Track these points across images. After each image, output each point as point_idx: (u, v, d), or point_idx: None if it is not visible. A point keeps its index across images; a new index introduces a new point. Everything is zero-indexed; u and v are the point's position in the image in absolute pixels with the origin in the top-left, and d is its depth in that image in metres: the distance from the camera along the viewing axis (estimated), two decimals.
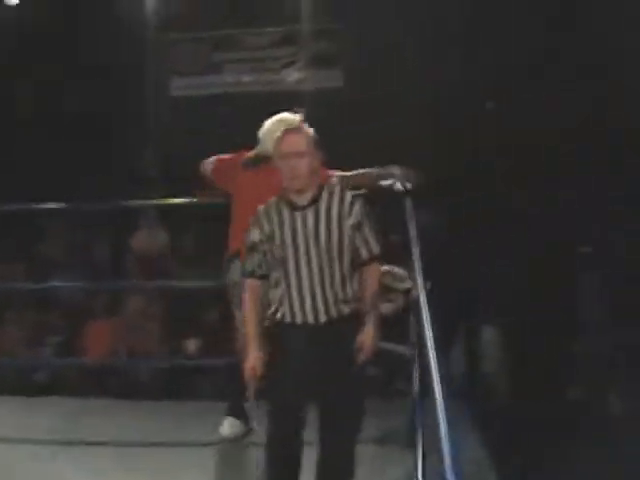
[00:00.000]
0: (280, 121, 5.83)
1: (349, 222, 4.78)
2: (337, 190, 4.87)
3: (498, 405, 9.25)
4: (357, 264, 4.83)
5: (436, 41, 11.95)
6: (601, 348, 9.64)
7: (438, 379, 3.83)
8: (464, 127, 11.65)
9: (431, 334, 4.21)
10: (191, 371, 10.00)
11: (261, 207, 4.86)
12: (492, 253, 9.49)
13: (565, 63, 11.68)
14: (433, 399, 3.70)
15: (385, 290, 5.44)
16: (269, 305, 4.83)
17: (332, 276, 4.75)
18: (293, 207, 4.80)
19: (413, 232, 5.36)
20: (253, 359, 4.77)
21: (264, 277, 4.85)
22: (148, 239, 11.61)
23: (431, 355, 4.01)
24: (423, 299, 4.67)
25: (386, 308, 5.52)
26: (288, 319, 4.76)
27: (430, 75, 11.86)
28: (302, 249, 4.75)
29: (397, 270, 5.55)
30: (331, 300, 4.75)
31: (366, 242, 4.84)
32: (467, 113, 11.76)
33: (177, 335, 10.36)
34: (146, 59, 12.65)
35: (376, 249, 4.86)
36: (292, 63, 13.23)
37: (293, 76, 13.20)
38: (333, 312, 4.75)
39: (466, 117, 11.73)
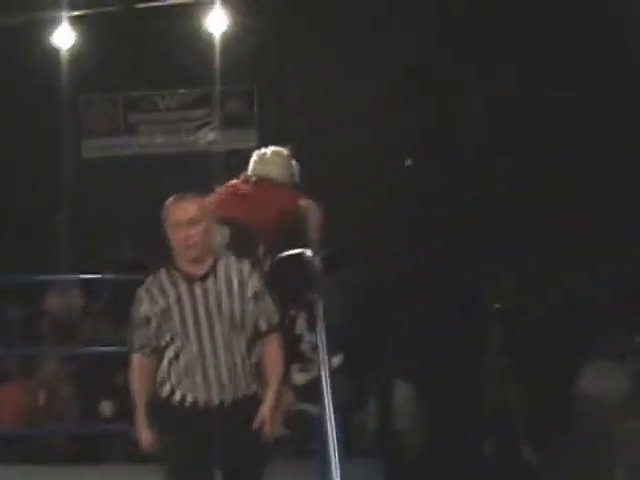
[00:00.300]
0: (270, 151, 5.98)
1: (249, 292, 4.55)
2: (234, 259, 4.63)
3: (411, 461, 9.31)
4: (256, 335, 4.61)
5: (351, 101, 12.10)
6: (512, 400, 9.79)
7: (334, 443, 3.90)
8: (380, 184, 11.79)
9: (330, 402, 4.28)
10: (108, 434, 9.93)
11: (151, 277, 4.62)
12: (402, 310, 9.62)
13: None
14: (329, 459, 3.78)
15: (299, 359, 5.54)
16: (163, 382, 4.57)
17: (235, 351, 4.51)
18: (190, 279, 4.52)
19: (319, 308, 5.43)
20: (145, 440, 4.59)
21: (154, 352, 4.58)
22: (62, 301, 11.53)
23: (328, 421, 4.07)
24: (325, 372, 4.73)
25: (299, 379, 5.60)
26: (189, 399, 4.50)
27: (346, 134, 11.99)
28: (204, 323, 4.48)
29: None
30: (234, 379, 4.50)
31: (265, 312, 4.61)
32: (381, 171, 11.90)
33: (91, 398, 10.28)
34: (58, 120, 12.57)
35: (275, 319, 4.65)
36: (207, 124, 13.29)
37: (208, 137, 13.26)
38: (236, 392, 4.52)
39: (382, 175, 11.88)
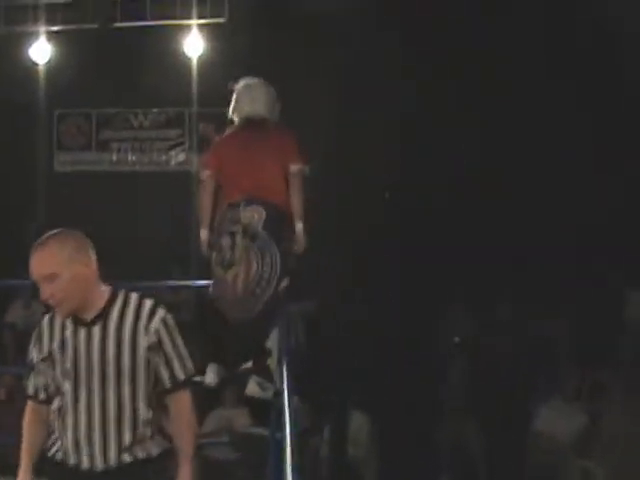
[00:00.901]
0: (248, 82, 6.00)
1: (145, 341, 3.85)
2: (134, 299, 3.93)
3: None
4: (160, 392, 3.91)
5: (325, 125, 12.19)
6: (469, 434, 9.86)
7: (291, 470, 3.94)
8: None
9: (290, 428, 4.31)
10: None
11: (46, 316, 3.97)
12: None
13: None
14: None
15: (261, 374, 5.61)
16: (50, 437, 3.94)
17: (124, 407, 3.80)
18: (77, 321, 3.85)
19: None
20: None
21: (47, 401, 3.91)
22: (24, 313, 11.53)
23: (287, 446, 4.12)
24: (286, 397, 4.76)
25: (253, 391, 5.67)
26: (66, 460, 3.84)
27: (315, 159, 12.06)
28: (83, 375, 3.79)
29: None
30: (113, 443, 3.79)
31: (169, 366, 3.90)
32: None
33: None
34: (31, 133, 12.62)
35: (182, 374, 3.94)
36: (179, 145, 13.35)
37: (179, 158, 13.31)
38: (114, 459, 3.80)
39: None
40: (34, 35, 11.82)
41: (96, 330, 3.82)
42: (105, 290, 3.93)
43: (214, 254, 5.69)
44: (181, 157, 13.34)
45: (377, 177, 11.86)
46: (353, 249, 11.43)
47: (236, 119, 5.97)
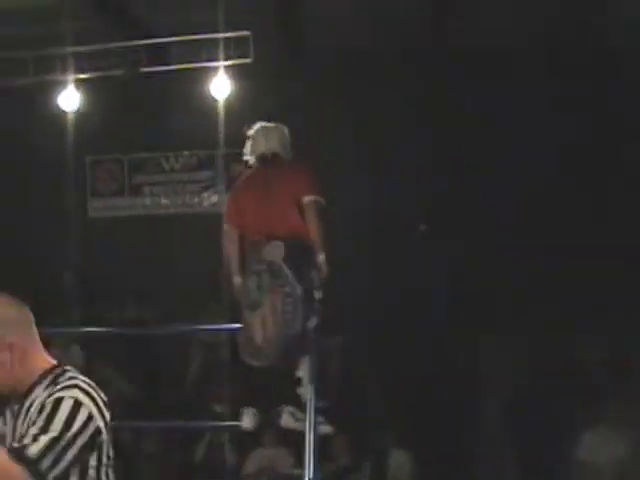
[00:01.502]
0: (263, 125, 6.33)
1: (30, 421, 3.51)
2: (44, 386, 3.64)
3: None
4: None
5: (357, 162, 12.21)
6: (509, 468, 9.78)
7: None
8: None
9: (313, 467, 4.32)
10: None
11: None
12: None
13: None
14: None
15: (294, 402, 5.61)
16: None
17: None
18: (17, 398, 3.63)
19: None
20: None
21: None
22: (62, 358, 11.56)
23: None
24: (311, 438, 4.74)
25: (288, 422, 5.67)
26: None
27: (348, 196, 12.09)
28: None
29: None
30: None
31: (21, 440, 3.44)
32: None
33: None
34: (64, 180, 12.72)
35: (26, 450, 3.37)
36: (211, 186, 13.42)
37: (212, 199, 13.37)
38: None
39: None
40: (62, 84, 11.94)
41: (19, 410, 3.60)
42: (43, 366, 3.68)
43: (242, 297, 5.74)
44: (213, 199, 13.40)
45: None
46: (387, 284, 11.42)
47: (252, 160, 6.08)
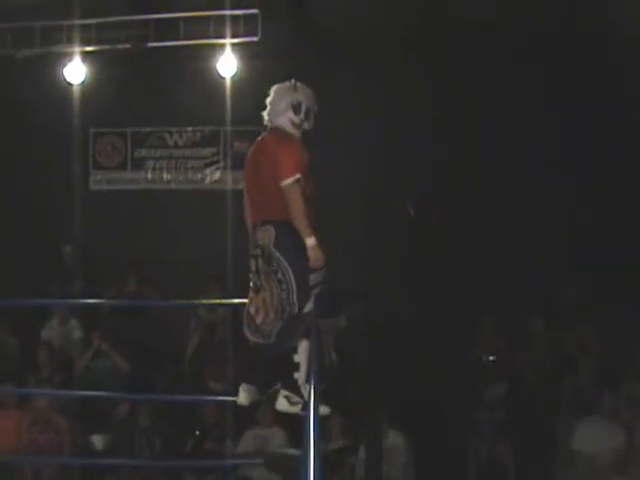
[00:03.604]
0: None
1: None
2: None
3: None
4: None
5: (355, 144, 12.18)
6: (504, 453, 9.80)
7: None
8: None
9: (313, 448, 4.30)
10: (99, 468, 9.95)
11: None
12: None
13: None
14: None
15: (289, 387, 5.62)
16: None
17: None
18: None
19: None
20: None
21: None
22: (60, 331, 11.60)
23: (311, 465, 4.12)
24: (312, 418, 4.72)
25: (282, 406, 5.67)
26: None
27: (350, 175, 12.08)
28: None
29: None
30: None
31: None
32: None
33: (84, 430, 10.32)
34: (66, 153, 12.69)
35: None
36: (214, 163, 13.39)
37: (214, 176, 13.35)
38: None
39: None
40: (68, 56, 11.91)
41: None
42: None
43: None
44: (216, 175, 13.37)
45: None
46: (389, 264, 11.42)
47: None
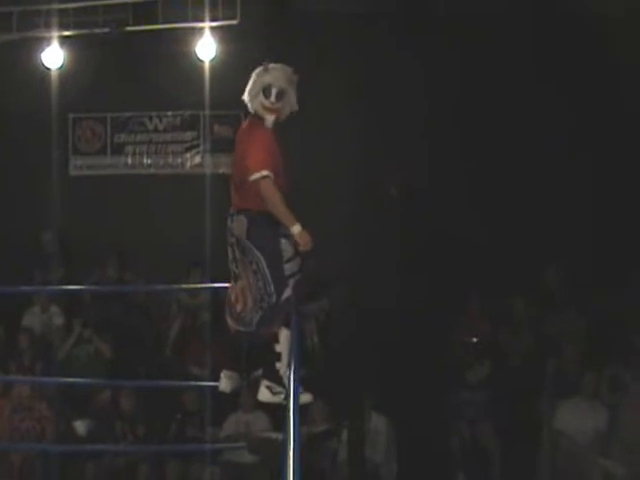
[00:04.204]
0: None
1: None
2: None
3: None
4: None
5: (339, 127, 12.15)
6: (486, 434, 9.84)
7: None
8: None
9: (295, 433, 4.31)
10: (81, 454, 9.95)
11: None
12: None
13: None
14: None
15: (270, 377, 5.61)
16: None
17: None
18: None
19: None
20: None
21: None
22: (41, 318, 11.58)
23: (291, 450, 4.13)
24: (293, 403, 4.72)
25: (264, 396, 5.66)
26: None
27: (334, 158, 12.06)
28: None
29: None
30: None
31: None
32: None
33: (67, 416, 10.31)
34: (45, 138, 12.62)
35: None
36: (194, 147, 13.34)
37: (195, 160, 13.31)
38: None
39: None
40: (46, 40, 11.83)
41: None
42: None
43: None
44: (197, 159, 13.33)
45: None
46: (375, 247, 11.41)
47: None
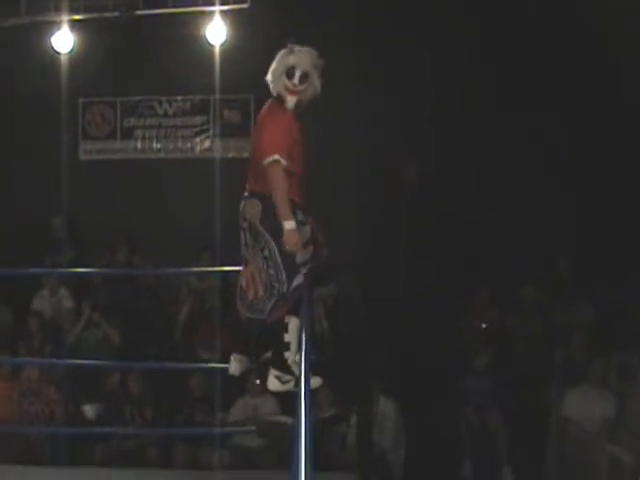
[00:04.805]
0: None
1: None
2: None
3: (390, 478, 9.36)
4: None
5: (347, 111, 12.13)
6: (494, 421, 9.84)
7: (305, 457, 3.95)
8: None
9: (306, 417, 4.30)
10: (90, 437, 9.98)
11: None
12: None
13: None
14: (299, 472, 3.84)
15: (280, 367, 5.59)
16: None
17: None
18: None
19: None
20: None
21: None
22: (50, 301, 11.61)
23: (302, 434, 4.13)
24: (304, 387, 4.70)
25: (273, 385, 5.65)
26: None
27: (344, 143, 12.04)
28: None
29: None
30: None
31: None
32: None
33: (76, 399, 10.34)
34: (55, 123, 12.63)
35: None
36: (204, 131, 13.34)
37: (205, 144, 13.31)
38: None
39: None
40: (56, 24, 11.84)
41: None
42: None
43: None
44: (206, 144, 13.33)
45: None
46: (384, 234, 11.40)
47: None
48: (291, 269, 5.46)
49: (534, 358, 10.06)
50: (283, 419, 8.41)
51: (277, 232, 5.43)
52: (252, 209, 5.49)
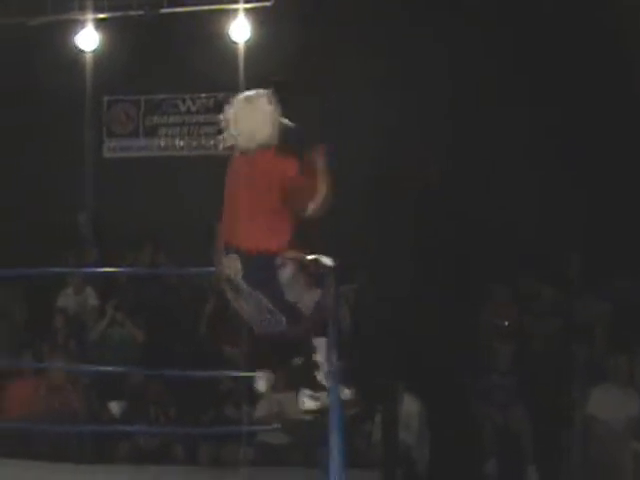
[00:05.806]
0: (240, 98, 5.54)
1: None
2: None
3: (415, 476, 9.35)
4: None
5: (370, 112, 12.11)
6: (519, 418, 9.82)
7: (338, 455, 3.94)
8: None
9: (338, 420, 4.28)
10: (115, 434, 10.01)
11: None
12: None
13: None
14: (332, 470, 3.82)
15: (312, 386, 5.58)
16: None
17: None
18: None
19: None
20: None
21: None
22: (75, 299, 11.64)
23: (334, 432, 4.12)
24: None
25: (308, 405, 5.64)
26: None
27: (362, 144, 12.03)
28: None
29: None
30: None
31: None
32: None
33: (100, 397, 10.38)
34: (79, 121, 12.68)
35: None
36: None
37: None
38: None
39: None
40: (81, 23, 11.90)
41: None
42: None
43: None
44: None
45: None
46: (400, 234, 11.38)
47: None
48: (289, 315, 5.41)
49: (556, 356, 10.03)
50: (309, 416, 8.38)
51: (265, 289, 5.33)
52: (231, 264, 5.41)
